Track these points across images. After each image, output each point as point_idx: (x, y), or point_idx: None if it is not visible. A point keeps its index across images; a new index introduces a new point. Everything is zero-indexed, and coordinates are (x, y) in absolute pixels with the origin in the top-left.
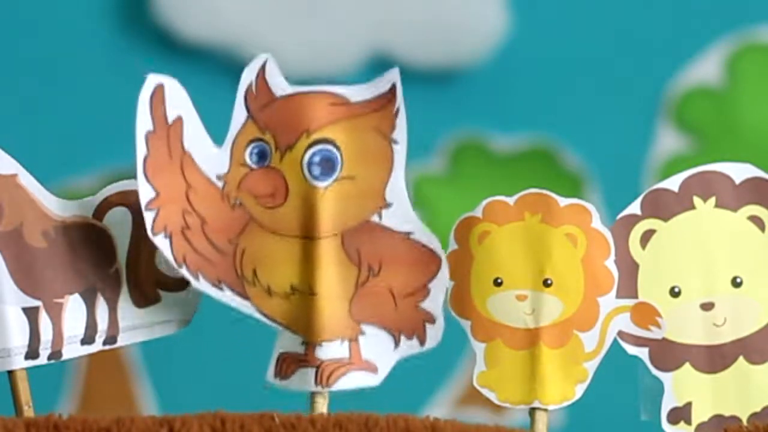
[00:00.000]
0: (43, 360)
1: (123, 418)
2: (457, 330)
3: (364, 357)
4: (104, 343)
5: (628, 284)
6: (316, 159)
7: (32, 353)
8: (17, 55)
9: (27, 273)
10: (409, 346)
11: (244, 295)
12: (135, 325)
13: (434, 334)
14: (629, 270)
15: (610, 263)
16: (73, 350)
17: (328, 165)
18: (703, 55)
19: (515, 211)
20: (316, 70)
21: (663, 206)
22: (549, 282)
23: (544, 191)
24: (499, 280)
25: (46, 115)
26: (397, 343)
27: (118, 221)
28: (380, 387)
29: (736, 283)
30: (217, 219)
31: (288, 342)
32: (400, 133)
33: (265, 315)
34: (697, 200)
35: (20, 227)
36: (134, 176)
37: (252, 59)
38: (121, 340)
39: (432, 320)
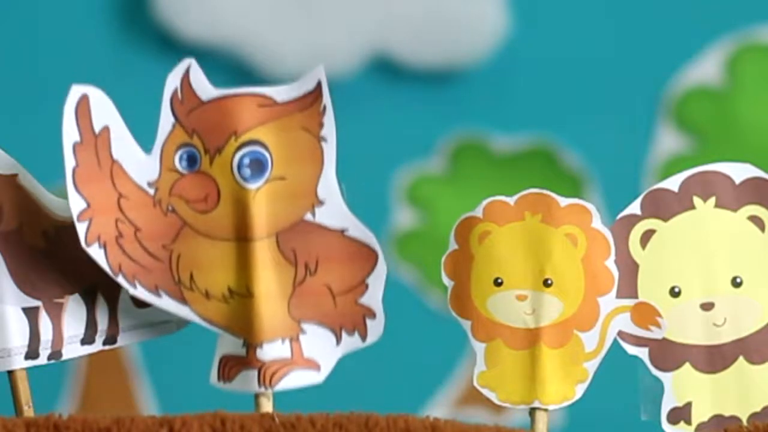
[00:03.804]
0: (43, 360)
1: (123, 418)
2: (457, 330)
3: (305, 355)
4: (104, 343)
5: (628, 284)
6: (246, 161)
7: (32, 353)
8: (17, 56)
9: (27, 273)
10: (351, 342)
11: (183, 301)
12: (135, 325)
13: (375, 328)
14: (629, 270)
15: (610, 263)
16: (73, 350)
17: (258, 166)
18: (703, 55)
19: (515, 211)
20: None
21: (663, 206)
22: (549, 282)
23: (545, 191)
24: (499, 280)
25: (47, 115)
26: (338, 339)
27: None
28: (380, 387)
29: (736, 283)
30: (150, 226)
31: (229, 344)
32: (329, 130)
33: (204, 319)
34: (697, 200)
35: (20, 227)
36: None
37: (253, 59)
38: (121, 340)
39: (372, 315)
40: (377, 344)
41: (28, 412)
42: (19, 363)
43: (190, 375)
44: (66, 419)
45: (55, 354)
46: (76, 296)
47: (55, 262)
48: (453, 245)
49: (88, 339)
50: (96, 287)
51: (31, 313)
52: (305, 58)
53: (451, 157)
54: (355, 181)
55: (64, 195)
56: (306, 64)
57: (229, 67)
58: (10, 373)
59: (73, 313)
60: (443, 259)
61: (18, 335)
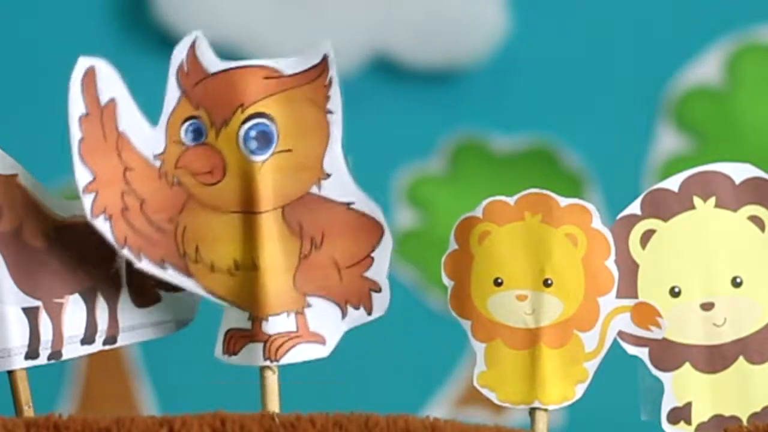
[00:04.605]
0: (43, 360)
1: (123, 418)
2: (457, 330)
3: (311, 329)
4: (104, 343)
5: (628, 284)
6: (252, 133)
7: (32, 353)
8: (17, 55)
9: (27, 273)
10: (357, 316)
11: (188, 273)
12: (135, 325)
13: (381, 302)
14: (629, 270)
15: (611, 263)
16: (73, 350)
17: (265, 139)
18: (703, 55)
19: (515, 211)
20: None
21: (663, 206)
22: (549, 282)
23: (545, 191)
24: (499, 280)
25: (47, 115)
26: (344, 313)
27: None
28: (380, 387)
29: (736, 283)
30: (156, 198)
31: (234, 318)
32: (335, 102)
33: (209, 292)
34: (697, 200)
35: (20, 227)
36: None
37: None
38: (121, 340)
39: (378, 289)
40: (377, 344)
41: (28, 412)
42: (19, 363)
43: (190, 375)
44: (66, 419)
45: (55, 354)
46: (76, 296)
47: (54, 262)
48: (453, 245)
49: (88, 339)
50: (96, 287)
51: (31, 313)
52: None
53: (451, 157)
54: (355, 180)
55: (64, 195)
56: None
57: None
58: (10, 373)
59: (73, 313)
60: (443, 259)
61: (18, 335)
